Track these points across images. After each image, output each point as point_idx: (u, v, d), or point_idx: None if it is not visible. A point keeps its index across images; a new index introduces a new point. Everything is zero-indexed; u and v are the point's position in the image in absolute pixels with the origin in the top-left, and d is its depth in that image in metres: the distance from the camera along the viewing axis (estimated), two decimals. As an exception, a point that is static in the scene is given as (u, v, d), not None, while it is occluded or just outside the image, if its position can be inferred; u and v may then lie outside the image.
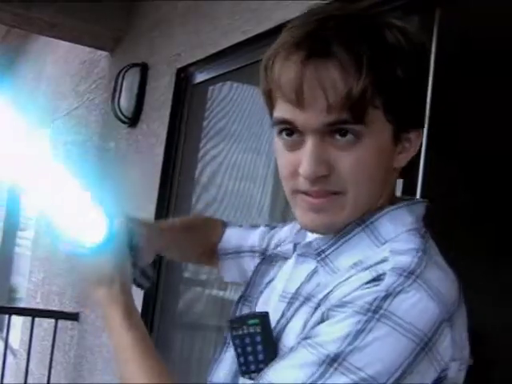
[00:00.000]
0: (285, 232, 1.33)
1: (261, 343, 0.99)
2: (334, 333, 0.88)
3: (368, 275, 0.92)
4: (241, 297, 1.24)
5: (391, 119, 0.98)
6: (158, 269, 3.61)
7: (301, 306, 1.02)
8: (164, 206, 3.62)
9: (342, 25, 0.96)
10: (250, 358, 1.00)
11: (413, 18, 2.21)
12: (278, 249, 1.24)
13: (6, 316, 4.73)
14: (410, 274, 0.91)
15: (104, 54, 4.97)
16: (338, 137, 0.96)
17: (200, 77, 3.56)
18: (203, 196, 3.50)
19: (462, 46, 2.41)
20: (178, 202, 3.60)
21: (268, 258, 1.25)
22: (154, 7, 4.18)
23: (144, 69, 4.10)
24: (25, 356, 4.72)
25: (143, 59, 4.15)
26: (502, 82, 2.57)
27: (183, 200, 3.59)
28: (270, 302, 1.13)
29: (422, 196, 2.07)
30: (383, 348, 0.86)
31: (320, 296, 0.99)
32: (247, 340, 1.00)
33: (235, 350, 1.02)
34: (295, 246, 1.14)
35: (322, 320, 0.93)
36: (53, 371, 4.61)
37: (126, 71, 4.19)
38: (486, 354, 3.36)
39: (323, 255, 1.04)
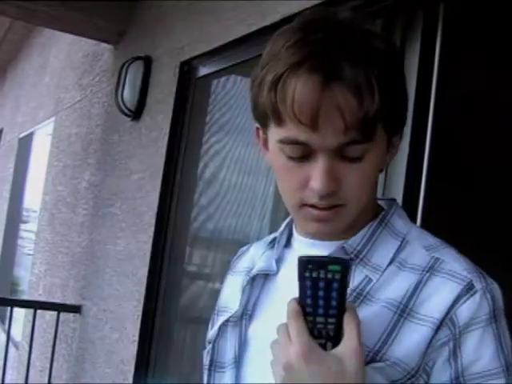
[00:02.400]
0: (242, 267, 1.29)
1: (337, 290, 0.96)
2: (487, 355, 1.00)
3: (452, 285, 1.02)
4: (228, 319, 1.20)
5: (388, 130, 1.05)
6: (161, 263, 3.62)
7: (362, 303, 1.04)
8: (167, 200, 3.62)
9: (347, 42, 1.00)
10: (321, 302, 0.97)
11: (417, 13, 2.21)
12: (254, 271, 1.20)
13: (9, 308, 4.74)
14: (481, 271, 1.04)
15: (107, 46, 4.97)
16: (347, 154, 1.01)
17: (204, 70, 3.56)
18: (206, 189, 3.50)
19: (466, 41, 2.40)
20: (181, 196, 3.59)
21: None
22: (158, 0, 4.18)
23: (147, 62, 4.09)
24: (27, 348, 4.73)
25: (147, 52, 4.14)
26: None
27: (186, 193, 3.59)
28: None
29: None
30: (508, 336, 1.03)
31: (385, 297, 1.04)
32: (322, 284, 0.96)
33: (302, 289, 0.97)
34: (277, 261, 1.18)
35: (454, 347, 1.00)
36: (55, 364, 4.62)
37: (129, 64, 4.19)
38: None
39: (361, 256, 1.08)
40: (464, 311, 1.00)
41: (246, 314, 1.18)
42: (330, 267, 0.95)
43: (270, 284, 1.18)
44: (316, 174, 1.01)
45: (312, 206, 1.04)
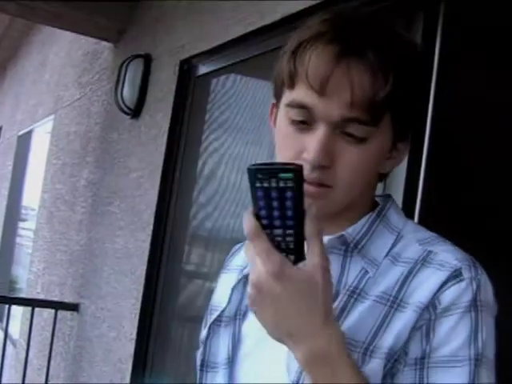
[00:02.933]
0: (235, 265, 1.28)
1: (291, 200, 0.90)
2: (457, 340, 0.98)
3: (440, 273, 1.00)
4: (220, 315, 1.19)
5: (395, 126, 1.05)
6: (159, 261, 3.62)
7: (356, 301, 1.04)
8: (166, 198, 3.62)
9: (373, 29, 1.04)
10: (276, 213, 0.91)
11: (417, 13, 2.21)
12: (247, 269, 1.16)
13: (6, 306, 4.74)
14: (474, 262, 1.03)
15: (107, 45, 4.97)
16: (348, 131, 1.01)
17: (203, 69, 3.56)
18: (205, 187, 3.50)
19: (466, 41, 2.39)
20: (180, 194, 3.59)
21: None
22: (158, -1, 4.18)
23: (147, 60, 4.09)
24: (24, 346, 4.74)
25: (146, 50, 4.14)
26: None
27: (185, 191, 3.59)
28: None
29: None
30: (491, 332, 1.01)
31: (377, 291, 1.03)
32: (274, 194, 0.90)
33: (256, 201, 0.91)
34: None
35: (427, 329, 0.99)
36: (52, 362, 4.62)
37: (129, 62, 4.19)
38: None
39: (359, 246, 1.08)
40: (447, 296, 0.99)
41: (239, 314, 1.17)
42: (282, 175, 0.88)
43: None
44: (312, 143, 1.01)
45: None
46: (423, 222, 1.19)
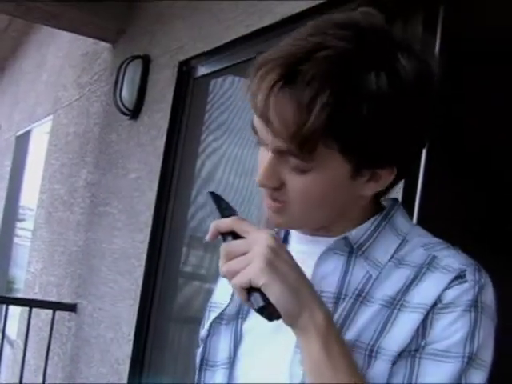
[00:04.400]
0: None
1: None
2: (454, 337, 0.99)
3: (445, 276, 1.01)
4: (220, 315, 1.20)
5: (349, 159, 1.00)
6: (157, 262, 3.61)
7: (362, 304, 1.04)
8: (164, 199, 3.62)
9: (317, 57, 0.96)
10: None
11: (416, 17, 2.21)
12: None
13: (4, 306, 4.74)
14: (478, 267, 1.04)
15: (106, 45, 4.96)
16: (291, 159, 1.00)
17: (202, 70, 3.56)
18: (203, 189, 3.49)
19: (465, 44, 2.40)
20: (179, 195, 3.59)
21: None
22: (157, 0, 4.18)
23: (146, 61, 4.09)
24: (22, 347, 4.73)
25: (145, 51, 4.14)
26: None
27: (183, 193, 3.59)
28: None
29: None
30: (490, 336, 1.02)
31: (384, 295, 1.03)
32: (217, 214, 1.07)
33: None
34: None
35: (424, 325, 1.00)
36: (49, 362, 4.62)
37: (128, 63, 4.19)
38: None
39: (363, 249, 1.08)
40: (448, 295, 1.00)
41: (241, 313, 1.17)
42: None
43: None
44: (260, 166, 1.05)
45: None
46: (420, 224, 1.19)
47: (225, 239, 1.01)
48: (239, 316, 1.17)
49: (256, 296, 0.96)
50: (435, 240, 1.10)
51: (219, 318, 1.19)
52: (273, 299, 0.95)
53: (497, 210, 2.69)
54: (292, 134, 0.96)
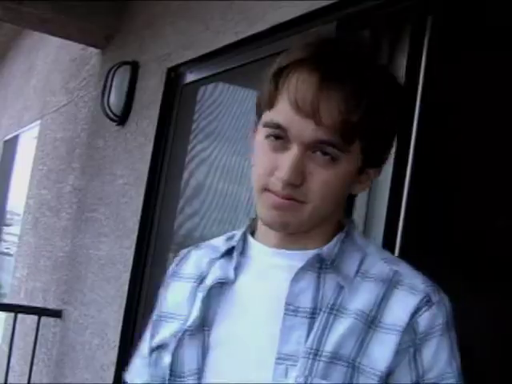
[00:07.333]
0: (188, 273, 1.30)
1: None
2: (442, 360, 1.09)
3: (413, 297, 1.10)
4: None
5: (364, 153, 1.12)
6: (143, 269, 3.61)
7: (336, 317, 1.10)
8: (151, 206, 3.62)
9: (351, 57, 1.11)
10: None
11: (405, 26, 2.22)
12: (212, 280, 1.21)
13: (-11, 311, 4.71)
14: (435, 286, 1.14)
15: (95, 51, 4.96)
16: (319, 154, 1.09)
17: (190, 77, 3.56)
18: (191, 196, 3.49)
19: (452, 54, 2.41)
20: (165, 202, 3.59)
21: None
22: (146, 5, 4.18)
23: (134, 67, 4.09)
24: (7, 352, 4.70)
25: (134, 57, 4.14)
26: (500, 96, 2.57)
27: (170, 200, 3.58)
28: (259, 319, 1.15)
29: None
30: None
31: (355, 308, 1.10)
32: None
33: None
34: (235, 269, 1.20)
35: (413, 353, 1.08)
36: (34, 368, 4.59)
37: (116, 69, 4.18)
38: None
39: (335, 264, 1.15)
40: (423, 321, 1.09)
41: (206, 325, 1.18)
42: None
43: (227, 293, 1.19)
44: (285, 162, 1.08)
45: (274, 192, 1.10)
46: (406, 235, 1.24)
47: None
48: (204, 328, 1.18)
49: None
50: (389, 254, 1.22)
51: (187, 330, 1.19)
52: None
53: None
54: (341, 124, 1.06)
